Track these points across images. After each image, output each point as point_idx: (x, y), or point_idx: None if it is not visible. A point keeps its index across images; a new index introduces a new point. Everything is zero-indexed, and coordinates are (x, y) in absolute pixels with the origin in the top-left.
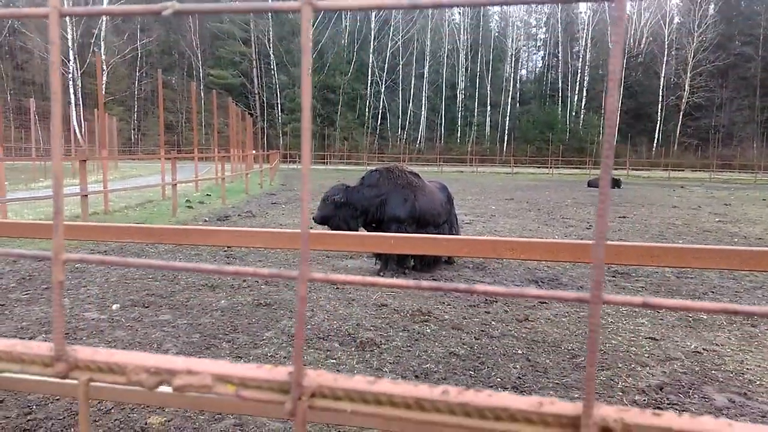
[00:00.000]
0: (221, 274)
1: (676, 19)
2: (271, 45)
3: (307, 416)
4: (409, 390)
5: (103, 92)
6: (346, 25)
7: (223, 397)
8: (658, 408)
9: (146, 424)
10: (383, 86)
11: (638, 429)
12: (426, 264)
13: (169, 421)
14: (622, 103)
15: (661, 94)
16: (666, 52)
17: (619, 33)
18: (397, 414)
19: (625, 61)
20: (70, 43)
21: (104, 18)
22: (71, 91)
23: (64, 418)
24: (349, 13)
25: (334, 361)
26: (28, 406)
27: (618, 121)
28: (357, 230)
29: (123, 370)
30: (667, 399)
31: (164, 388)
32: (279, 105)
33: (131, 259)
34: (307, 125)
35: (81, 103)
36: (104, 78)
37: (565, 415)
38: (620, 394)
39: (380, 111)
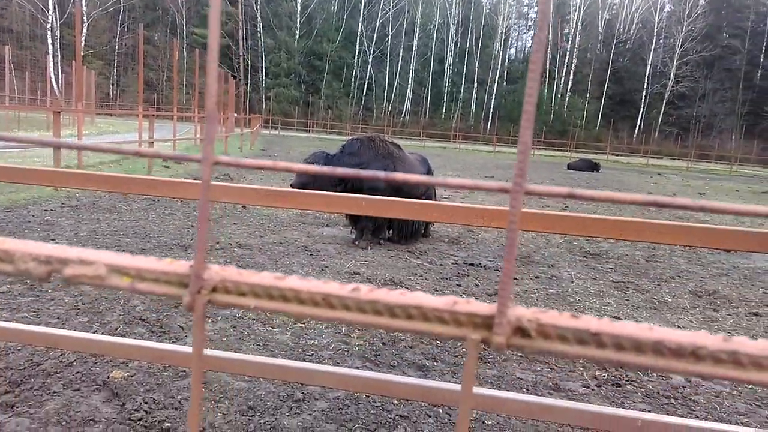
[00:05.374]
0: (125, 153)
1: (667, 7)
2: (258, 7)
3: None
4: (317, 286)
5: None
6: None
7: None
8: (617, 385)
9: (108, 377)
10: (371, 56)
11: (554, 329)
12: (403, 236)
13: (132, 376)
14: (607, 87)
15: (646, 81)
16: (654, 40)
17: None
18: (304, 311)
19: (613, 46)
20: None
21: None
22: (49, 40)
23: (24, 368)
24: None
25: (302, 325)
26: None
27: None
28: None
29: (11, 258)
30: (626, 376)
31: (61, 331)
32: (264, 69)
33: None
34: None
35: (59, 54)
36: (84, 30)
37: (479, 314)
38: (581, 369)
39: (366, 81)
